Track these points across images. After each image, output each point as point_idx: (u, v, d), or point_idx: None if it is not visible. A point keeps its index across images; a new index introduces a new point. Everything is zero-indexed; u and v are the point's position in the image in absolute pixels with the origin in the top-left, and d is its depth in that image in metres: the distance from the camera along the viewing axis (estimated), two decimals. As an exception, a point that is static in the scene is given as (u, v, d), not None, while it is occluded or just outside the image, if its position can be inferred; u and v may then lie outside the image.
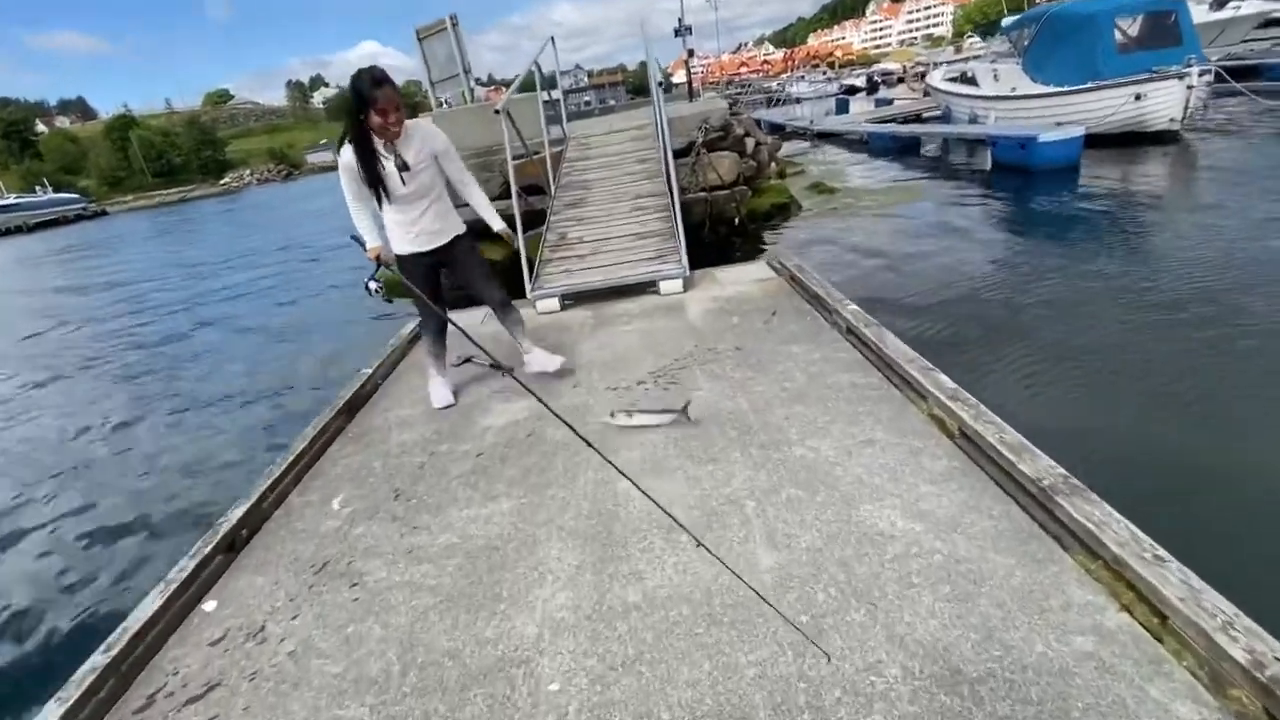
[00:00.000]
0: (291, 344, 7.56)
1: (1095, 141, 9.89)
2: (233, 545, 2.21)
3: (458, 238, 2.91)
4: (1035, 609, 1.46)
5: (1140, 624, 1.39)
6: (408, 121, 2.64)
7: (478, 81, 9.85)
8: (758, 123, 14.75)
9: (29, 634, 3.19)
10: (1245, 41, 18.69)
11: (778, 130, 20.15)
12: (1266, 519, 2.48)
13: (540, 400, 1.54)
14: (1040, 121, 10.91)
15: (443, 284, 3.01)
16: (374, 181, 2.59)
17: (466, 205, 2.98)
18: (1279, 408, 3.19)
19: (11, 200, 50.23)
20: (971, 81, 14.23)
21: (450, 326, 2.99)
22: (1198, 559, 1.45)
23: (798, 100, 27.52)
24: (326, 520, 2.29)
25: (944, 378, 2.36)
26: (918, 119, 17.87)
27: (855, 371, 2.72)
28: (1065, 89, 11.03)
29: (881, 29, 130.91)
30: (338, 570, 2.00)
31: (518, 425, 2.74)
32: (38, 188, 58.28)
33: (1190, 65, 9.58)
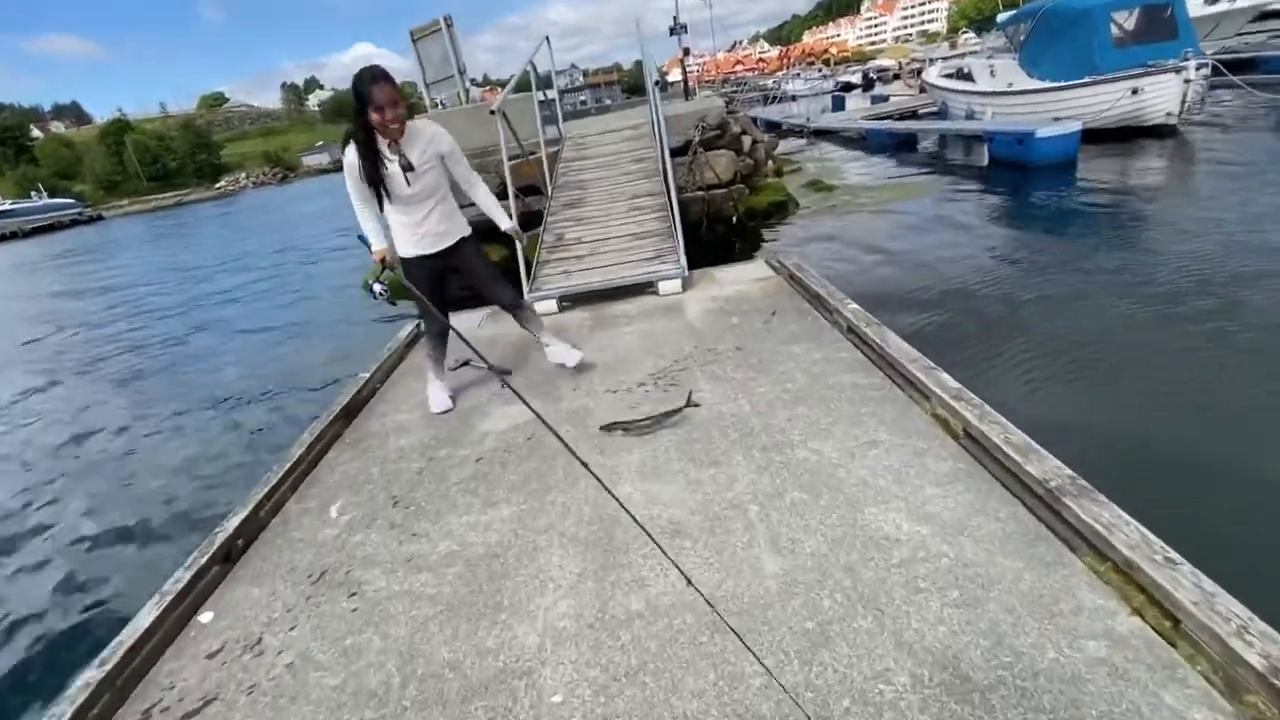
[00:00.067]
0: (290, 346, 7.52)
1: (1092, 136, 9.87)
2: (229, 555, 2.18)
3: (463, 240, 2.88)
4: (1045, 614, 1.44)
5: (1152, 628, 1.37)
6: (415, 122, 2.62)
7: (473, 82, 9.81)
8: (754, 120, 14.72)
9: (23, 646, 3.16)
10: (1240, 35, 18.69)
11: (774, 128, 20.11)
12: (1278, 519, 2.45)
13: (535, 413, 1.52)
14: (1037, 117, 10.90)
15: (447, 289, 2.98)
16: (374, 180, 2.55)
17: (468, 205, 2.95)
18: (1283, 403, 3.17)
19: (7, 206, 50.09)
20: (968, 77, 14.20)
21: (431, 340, 2.99)
22: (1209, 561, 1.43)
23: (793, 98, 27.52)
24: (324, 528, 2.26)
25: (947, 377, 2.33)
26: (914, 115, 17.84)
27: (857, 371, 2.69)
28: (1062, 84, 11.01)
29: (876, 26, 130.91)
30: (336, 580, 1.97)
31: (517, 430, 2.71)
32: (33, 193, 58.15)
33: (1187, 59, 9.56)
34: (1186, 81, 9.61)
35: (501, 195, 4.79)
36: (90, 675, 1.65)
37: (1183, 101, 9.77)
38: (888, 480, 1.97)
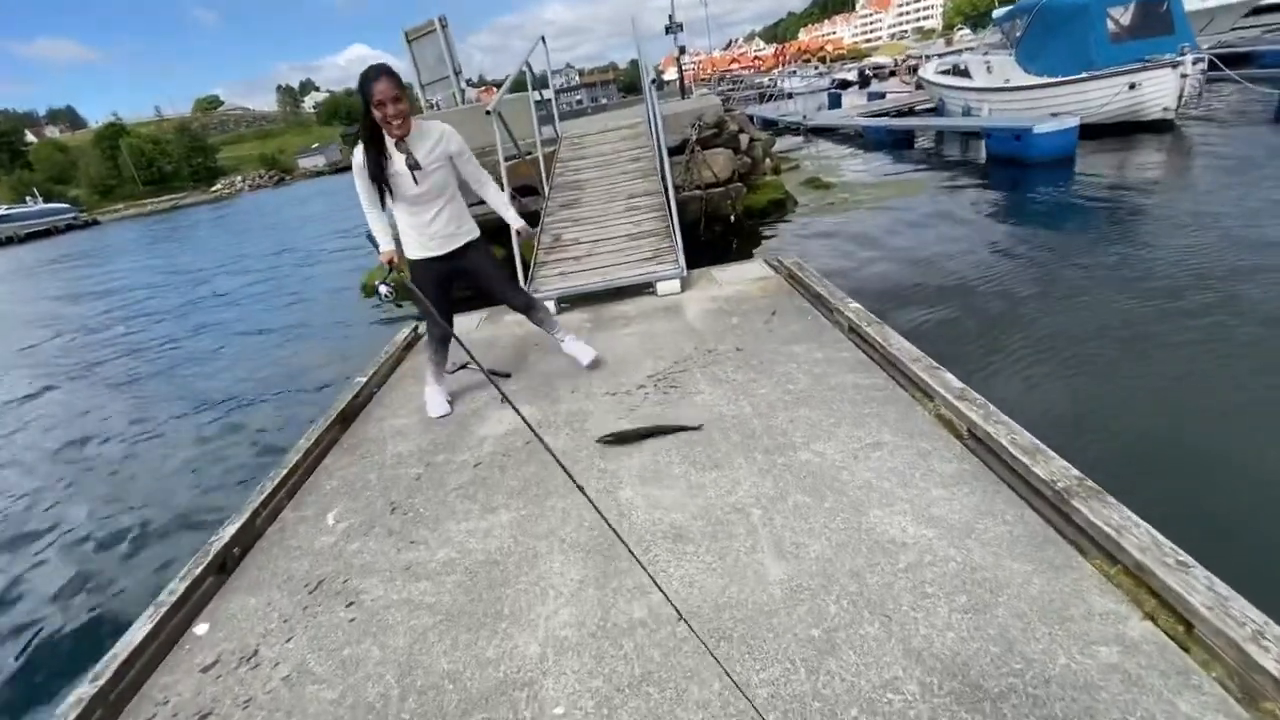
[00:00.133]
0: (288, 349, 7.49)
1: (1090, 132, 9.85)
2: (224, 565, 2.15)
3: (473, 242, 2.85)
4: (1055, 618, 1.41)
5: (1165, 633, 1.34)
6: (424, 122, 2.59)
7: (468, 82, 9.76)
8: (750, 119, 14.69)
9: (21, 654, 3.13)
10: (1235, 29, 18.69)
11: (770, 126, 20.09)
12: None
13: (530, 426, 1.48)
14: (1034, 112, 10.87)
15: (453, 292, 2.96)
16: (377, 177, 2.52)
17: (475, 204, 2.92)
18: (1287, 399, 3.15)
19: (2, 211, 49.89)
20: (964, 74, 14.18)
21: (433, 343, 2.96)
22: (1221, 563, 1.40)
23: (790, 95, 27.48)
24: (321, 536, 2.23)
25: (951, 377, 2.31)
26: (911, 112, 17.83)
27: (859, 372, 2.66)
28: (1059, 79, 11.00)
29: (872, 23, 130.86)
30: (333, 589, 1.94)
31: (516, 434, 2.68)
32: (28, 198, 57.93)
33: (1184, 54, 9.55)
34: (1183, 76, 9.60)
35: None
36: (83, 691, 1.62)
37: (1180, 96, 9.77)
38: (892, 482, 1.94)
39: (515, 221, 2.96)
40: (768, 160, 10.93)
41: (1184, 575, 1.36)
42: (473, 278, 2.92)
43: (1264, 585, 1.39)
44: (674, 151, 6.80)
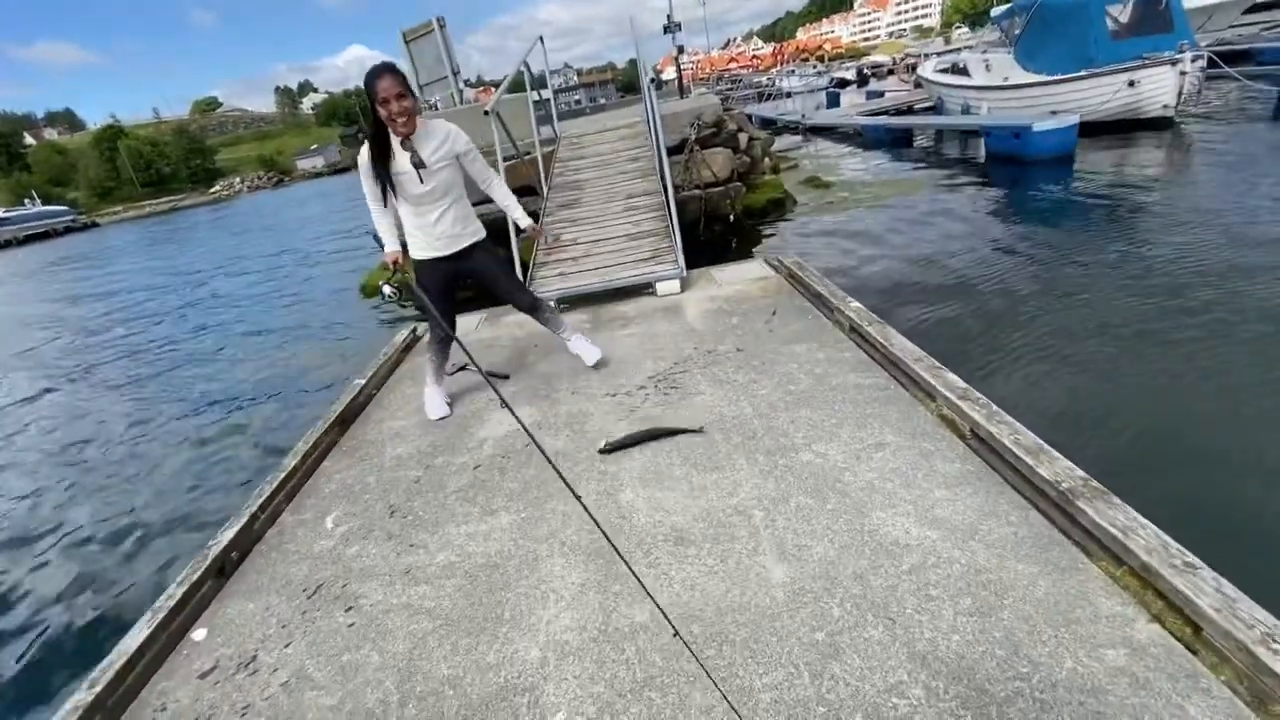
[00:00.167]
0: (288, 350, 7.46)
1: (1089, 129, 9.85)
2: (223, 569, 2.13)
3: (479, 243, 2.84)
4: (1061, 621, 1.40)
5: (1173, 635, 1.33)
6: (432, 121, 2.59)
7: (466, 83, 9.75)
8: (749, 118, 14.69)
9: (16, 660, 3.11)
10: (1233, 27, 18.69)
11: (769, 125, 20.09)
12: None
13: (527, 430, 1.46)
14: (1034, 111, 10.87)
15: (456, 294, 2.95)
16: (381, 175, 2.51)
17: (479, 203, 2.91)
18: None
19: (1, 214, 49.83)
20: (963, 72, 14.18)
21: (435, 344, 2.95)
22: (1230, 565, 1.39)
23: (788, 94, 27.46)
24: (320, 540, 2.22)
25: (953, 376, 2.29)
26: (909, 111, 17.83)
27: (861, 372, 2.65)
28: (1058, 77, 10.99)
29: (870, 22, 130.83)
30: (332, 594, 1.93)
31: (516, 435, 2.66)
32: (27, 200, 57.87)
33: (1183, 51, 9.54)
34: (1183, 73, 9.59)
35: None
36: (79, 698, 1.61)
37: (1179, 93, 9.76)
38: (895, 483, 1.93)
39: (524, 220, 2.94)
40: (766, 159, 10.92)
41: (1191, 577, 1.35)
42: (479, 278, 2.92)
43: (1273, 587, 1.38)
44: (673, 151, 6.79)
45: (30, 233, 47.93)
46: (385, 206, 2.62)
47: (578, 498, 1.32)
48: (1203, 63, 9.81)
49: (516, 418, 1.39)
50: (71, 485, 4.92)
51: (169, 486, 4.58)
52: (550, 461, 1.36)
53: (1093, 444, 3.03)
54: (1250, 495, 2.59)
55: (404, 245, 2.69)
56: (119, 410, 6.46)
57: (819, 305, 3.44)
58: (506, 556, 1.93)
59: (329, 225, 20.13)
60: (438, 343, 2.94)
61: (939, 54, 20.46)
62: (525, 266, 4.63)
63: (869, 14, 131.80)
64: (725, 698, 1.24)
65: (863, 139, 15.49)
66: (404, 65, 8.81)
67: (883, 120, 15.87)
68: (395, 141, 2.49)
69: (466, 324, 4.25)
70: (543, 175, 6.01)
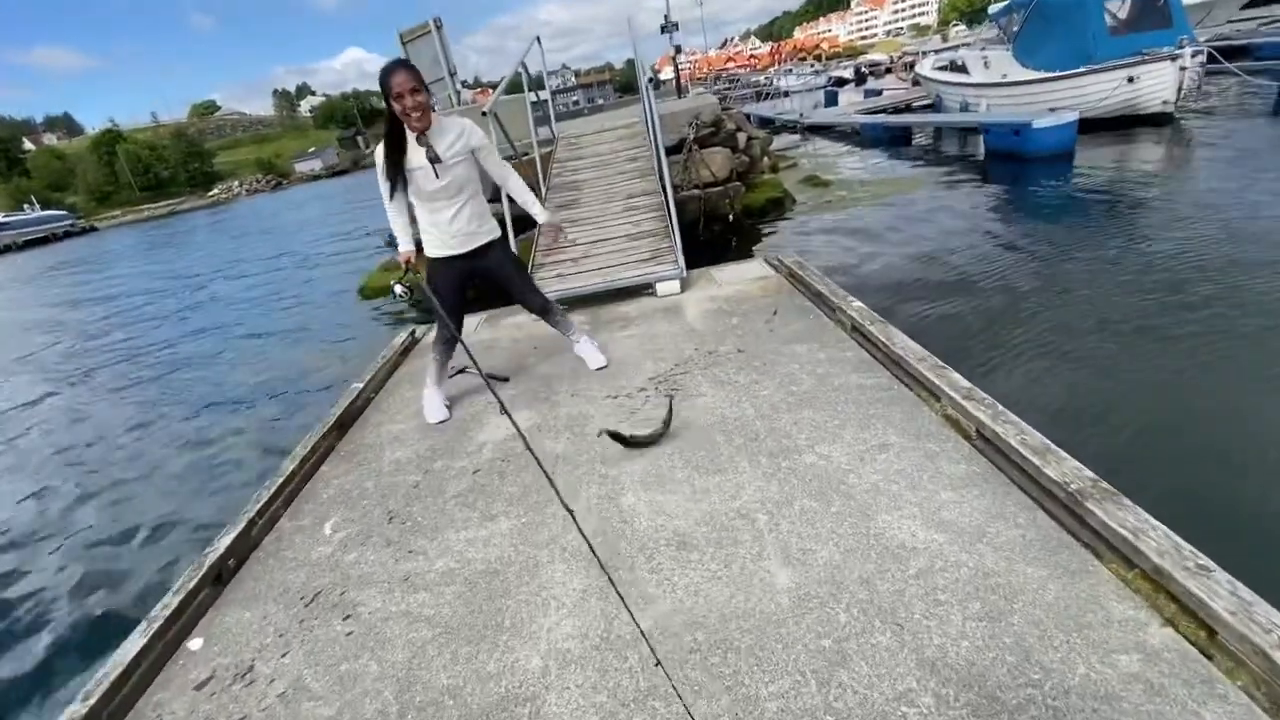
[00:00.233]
0: (288, 352, 7.44)
1: (1088, 126, 9.83)
2: (220, 577, 2.10)
3: (494, 241, 2.83)
4: (1073, 625, 1.37)
5: (1187, 640, 1.30)
6: (446, 117, 2.59)
7: (464, 84, 9.72)
8: (747, 117, 14.66)
9: (13, 664, 3.09)
10: (1231, 22, 18.67)
11: (767, 124, 20.06)
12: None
13: (522, 436, 1.44)
14: (1033, 107, 10.84)
15: (467, 293, 2.94)
16: (394, 171, 2.50)
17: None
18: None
19: (1, 219, 49.79)
20: (961, 70, 14.15)
21: (441, 343, 2.93)
22: (1244, 567, 1.36)
23: (786, 93, 27.45)
24: (318, 547, 2.19)
25: (957, 376, 2.26)
26: (908, 109, 17.81)
27: (863, 372, 2.62)
28: (1057, 74, 10.97)
29: (867, 21, 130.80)
30: (330, 602, 1.90)
31: (515, 439, 2.63)
32: (26, 206, 57.83)
33: (1182, 46, 9.52)
34: (1182, 69, 9.57)
35: (496, 197, 4.75)
36: (74, 710, 1.58)
37: (1179, 89, 9.74)
38: (900, 485, 1.90)
39: (542, 215, 2.92)
40: (765, 159, 10.90)
41: (1205, 579, 1.32)
42: (493, 277, 2.92)
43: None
44: (671, 151, 6.76)
45: (29, 238, 47.87)
46: (400, 203, 2.61)
47: (569, 511, 1.31)
48: (1202, 58, 9.79)
49: (515, 425, 1.36)
50: (71, 488, 4.90)
51: (169, 489, 4.57)
52: (545, 472, 1.34)
53: (1093, 441, 3.00)
54: (1253, 494, 2.56)
55: (418, 244, 2.68)
56: (119, 413, 6.44)
57: (820, 304, 3.42)
58: (506, 563, 1.91)
59: (327, 228, 20.11)
60: (443, 343, 2.92)
61: (936, 52, 20.44)
62: (524, 268, 4.60)
63: (866, 13, 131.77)
64: (688, 711, 1.21)
65: (861, 137, 15.46)
66: (401, 67, 8.79)
67: (881, 119, 15.84)
68: (410, 137, 2.48)
69: (466, 325, 4.21)
70: (541, 176, 5.98)
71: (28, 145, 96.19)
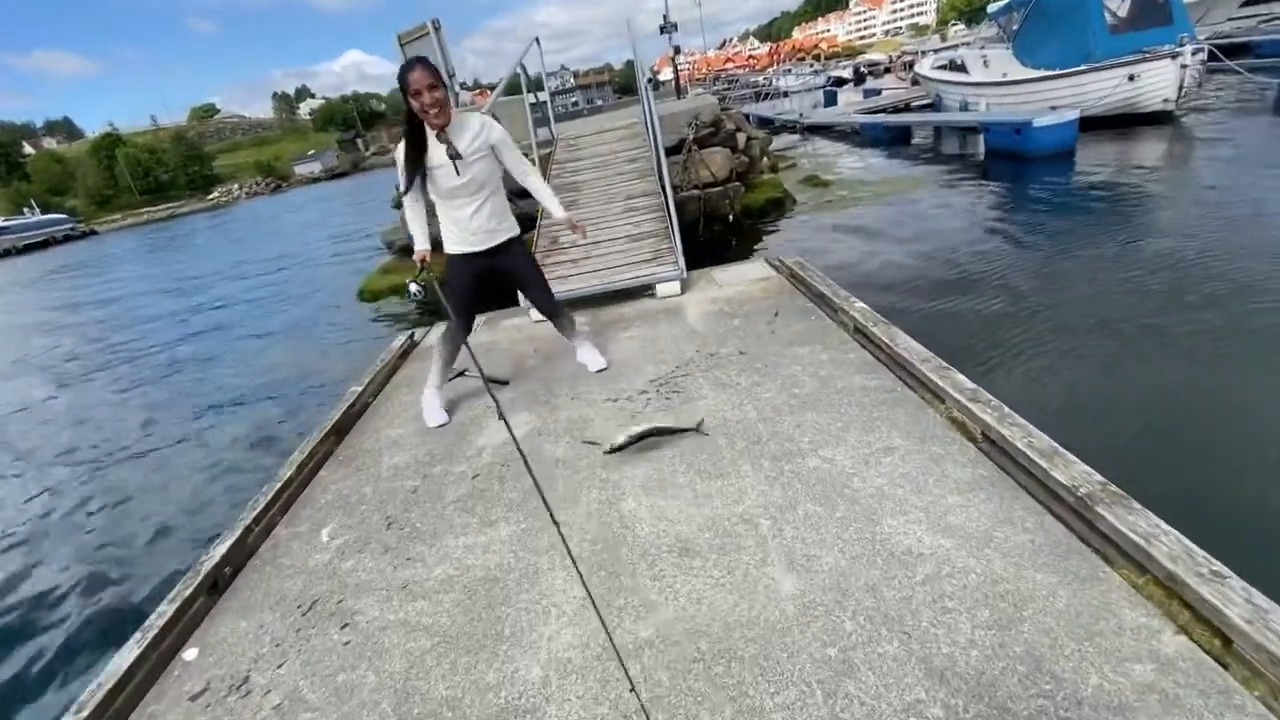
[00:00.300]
0: (287, 354, 7.41)
1: (1089, 124, 9.79)
2: (216, 585, 2.08)
3: (513, 240, 2.83)
4: (1084, 633, 1.34)
5: (1202, 648, 1.27)
6: (465, 114, 2.58)
7: (463, 85, 9.71)
8: (747, 117, 14.63)
9: (8, 671, 3.06)
10: (1231, 19, 18.65)
11: (767, 124, 20.02)
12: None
13: (517, 444, 1.42)
14: (1033, 106, 10.81)
15: (482, 292, 2.92)
16: (415, 169, 2.50)
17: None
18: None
19: (0, 223, 49.80)
20: (961, 69, 14.12)
21: (449, 340, 2.90)
22: (1260, 573, 1.34)
23: (785, 94, 27.42)
24: (315, 554, 2.16)
25: (962, 377, 2.24)
26: (907, 108, 17.78)
27: (866, 373, 2.59)
28: (1057, 72, 10.93)
29: (865, 20, 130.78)
30: (327, 610, 1.87)
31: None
32: (26, 209, 57.84)
33: (1183, 44, 9.49)
34: (1183, 67, 9.53)
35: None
36: (65, 723, 1.55)
37: (1180, 87, 9.70)
38: (906, 489, 1.87)
39: (560, 212, 2.90)
40: (765, 159, 10.88)
41: (1219, 586, 1.29)
42: (510, 276, 2.93)
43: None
44: (671, 151, 6.74)
45: (29, 241, 47.84)
46: (419, 201, 2.60)
47: (556, 524, 1.28)
48: (1203, 56, 9.75)
49: (510, 432, 1.33)
50: (72, 490, 4.90)
51: (170, 490, 4.55)
52: (535, 481, 1.32)
53: (1093, 438, 2.97)
54: (1258, 495, 2.53)
55: (435, 243, 2.67)
56: (120, 415, 6.43)
57: (822, 305, 3.39)
58: (506, 570, 1.88)
59: (327, 230, 20.08)
60: (450, 342, 2.90)
61: (936, 51, 20.42)
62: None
63: (864, 12, 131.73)
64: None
65: (860, 137, 15.43)
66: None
67: (880, 118, 15.81)
68: (431, 135, 2.47)
69: (465, 329, 4.19)
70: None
71: (27, 149, 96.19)
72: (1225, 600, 1.26)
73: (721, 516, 1.91)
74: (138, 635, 1.83)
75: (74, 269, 26.35)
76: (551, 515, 1.28)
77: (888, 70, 34.80)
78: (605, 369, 3.14)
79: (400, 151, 2.52)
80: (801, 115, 19.29)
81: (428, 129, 2.46)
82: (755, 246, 7.53)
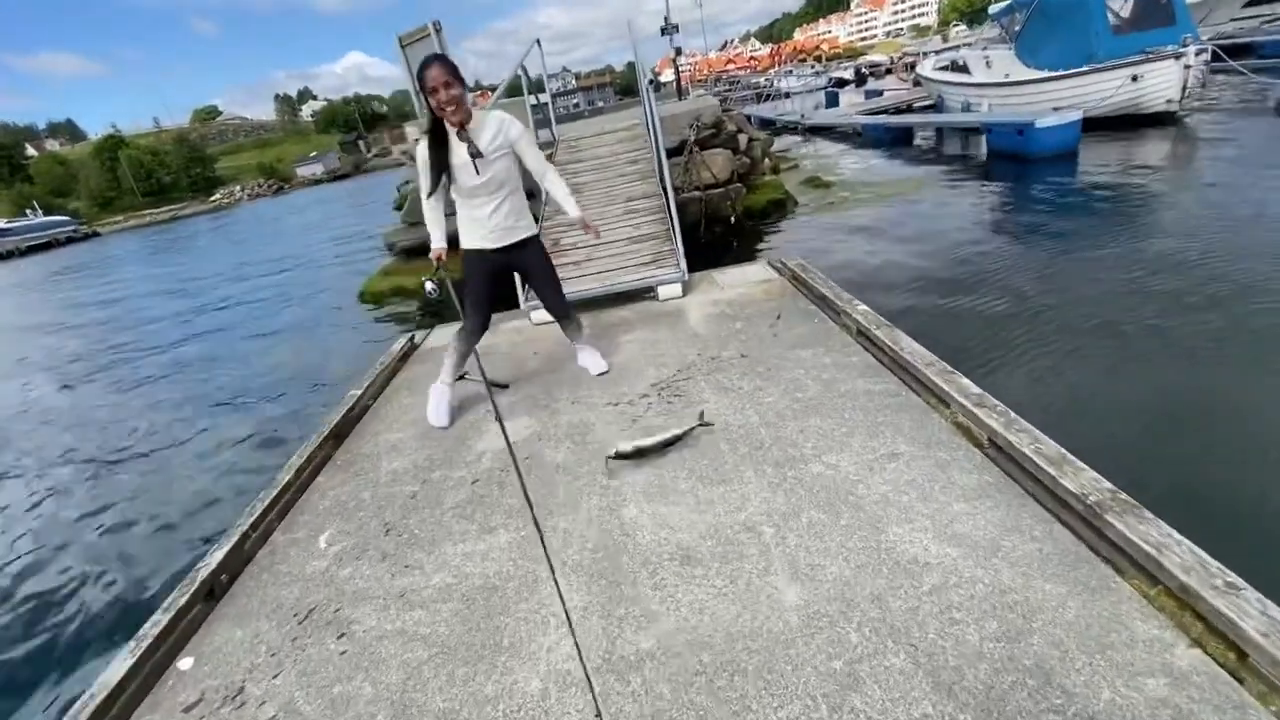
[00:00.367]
0: (288, 355, 7.40)
1: (1092, 125, 9.76)
2: (212, 592, 2.05)
3: (531, 238, 2.82)
4: (1095, 646, 1.31)
5: (1216, 662, 1.24)
6: (486, 112, 2.58)
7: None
8: (748, 119, 14.61)
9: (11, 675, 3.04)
10: (1234, 20, 18.61)
11: (768, 125, 20.02)
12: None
13: (512, 452, 1.39)
14: (1036, 107, 10.78)
15: (499, 289, 2.92)
16: (439, 168, 2.50)
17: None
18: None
19: (3, 225, 49.89)
20: (963, 69, 14.09)
21: (465, 336, 2.88)
22: (1259, 575, 1.31)
23: (787, 95, 27.42)
24: (312, 561, 2.14)
25: (967, 382, 2.21)
26: (909, 109, 17.75)
27: (870, 377, 2.56)
28: (1060, 73, 10.90)
29: (867, 21, 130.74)
30: (324, 619, 1.84)
31: (515, 448, 2.56)
32: (28, 211, 57.98)
33: (1186, 45, 9.45)
34: (1187, 67, 9.49)
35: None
36: (57, 735, 1.53)
37: (1184, 88, 9.66)
38: (911, 496, 1.84)
39: (574, 211, 2.88)
40: (766, 160, 10.85)
41: (1234, 598, 1.26)
42: (524, 274, 2.96)
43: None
44: (672, 153, 6.72)
45: (32, 243, 47.91)
46: (439, 199, 2.60)
47: (540, 535, 1.26)
48: (1206, 56, 9.72)
49: (507, 440, 1.31)
50: (73, 490, 4.89)
51: (172, 491, 4.54)
52: (524, 489, 1.29)
53: (1095, 439, 2.93)
54: (1257, 495, 2.50)
55: (452, 241, 2.67)
56: (123, 415, 6.42)
57: (824, 308, 3.36)
58: (505, 578, 1.85)
59: (329, 232, 20.09)
60: (468, 336, 2.86)
61: (937, 52, 20.39)
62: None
63: (866, 14, 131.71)
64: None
65: (862, 138, 15.41)
66: (401, 71, 8.75)
67: (882, 119, 15.79)
68: (452, 133, 2.47)
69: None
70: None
71: (30, 151, 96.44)
72: (1240, 613, 1.23)
73: (724, 524, 1.88)
74: (131, 644, 1.80)
75: (77, 270, 26.38)
76: (537, 525, 1.25)
77: (889, 71, 34.77)
78: (606, 372, 3.11)
79: (422, 149, 2.51)
80: (803, 116, 19.27)
81: (448, 126, 2.46)
82: (757, 248, 7.51)
